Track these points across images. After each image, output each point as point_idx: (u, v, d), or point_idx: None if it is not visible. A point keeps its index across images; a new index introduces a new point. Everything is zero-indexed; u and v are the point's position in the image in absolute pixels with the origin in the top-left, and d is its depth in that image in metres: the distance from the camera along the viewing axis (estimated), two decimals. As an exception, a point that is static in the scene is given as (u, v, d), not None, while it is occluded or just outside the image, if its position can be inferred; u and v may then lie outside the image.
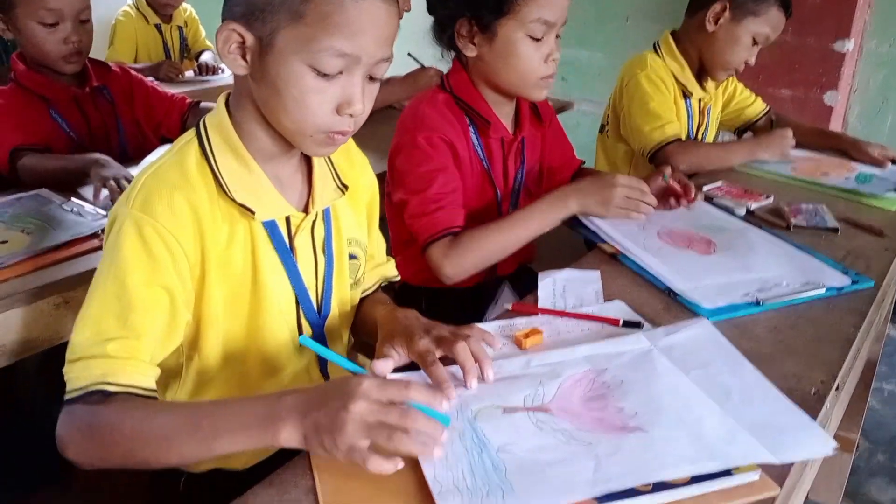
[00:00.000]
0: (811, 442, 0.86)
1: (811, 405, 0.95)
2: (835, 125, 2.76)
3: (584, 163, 1.76)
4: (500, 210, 1.56)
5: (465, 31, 1.40)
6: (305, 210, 1.03)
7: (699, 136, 2.09)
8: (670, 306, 1.20)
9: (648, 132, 1.88)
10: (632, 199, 1.39)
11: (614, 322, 1.13)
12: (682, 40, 1.98)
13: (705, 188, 1.70)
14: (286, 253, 1.01)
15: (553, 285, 1.26)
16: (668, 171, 1.53)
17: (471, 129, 1.48)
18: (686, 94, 2.00)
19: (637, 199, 1.39)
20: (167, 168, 0.93)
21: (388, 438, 0.73)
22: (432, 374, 0.92)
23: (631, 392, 0.93)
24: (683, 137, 2.02)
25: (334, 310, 1.11)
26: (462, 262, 1.36)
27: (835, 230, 1.49)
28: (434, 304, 1.56)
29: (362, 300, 1.19)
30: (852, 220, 1.55)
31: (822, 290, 1.23)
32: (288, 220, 1.01)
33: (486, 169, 1.51)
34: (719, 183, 1.73)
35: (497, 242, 1.38)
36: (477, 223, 1.41)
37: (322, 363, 1.12)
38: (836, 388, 1.02)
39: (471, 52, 1.42)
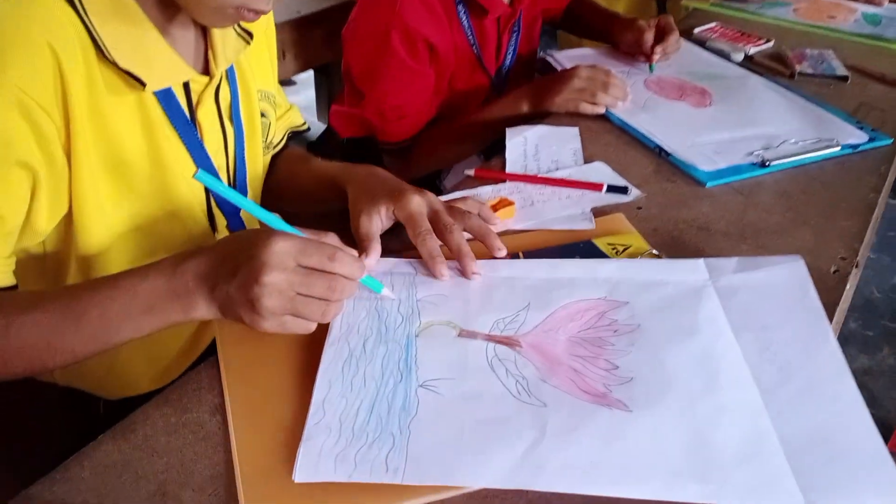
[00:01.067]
0: (875, 488, 0.54)
1: (832, 288, 0.80)
2: None
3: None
4: (490, 94, 1.34)
5: None
6: (206, 72, 0.80)
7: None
8: (661, 168, 1.02)
9: None
10: (586, 90, 1.14)
11: (597, 187, 0.95)
12: None
13: (696, 30, 1.48)
14: (187, 128, 0.78)
15: (524, 145, 1.06)
16: (650, 21, 1.32)
17: (460, 7, 1.22)
18: None
19: (595, 89, 1.14)
20: (18, 16, 0.66)
21: (310, 311, 0.62)
22: (424, 246, 0.74)
23: (642, 346, 0.65)
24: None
25: (250, 187, 0.90)
26: (415, 173, 1.28)
27: (844, 79, 1.30)
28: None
29: (274, 159, 0.99)
30: (862, 69, 1.35)
31: (838, 149, 1.05)
32: (187, 86, 0.78)
33: (477, 55, 1.28)
34: (713, 24, 1.51)
35: (449, 156, 1.28)
36: (463, 111, 1.25)
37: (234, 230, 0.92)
38: (857, 266, 0.86)
39: None
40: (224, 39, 0.81)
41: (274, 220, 0.67)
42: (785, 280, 0.75)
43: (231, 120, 0.85)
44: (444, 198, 0.83)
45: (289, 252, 0.61)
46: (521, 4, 1.27)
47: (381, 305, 0.69)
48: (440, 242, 0.75)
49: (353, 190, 0.80)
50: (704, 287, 0.73)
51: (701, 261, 0.76)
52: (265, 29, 0.94)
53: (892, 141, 1.09)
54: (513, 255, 0.80)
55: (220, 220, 0.87)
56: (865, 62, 1.38)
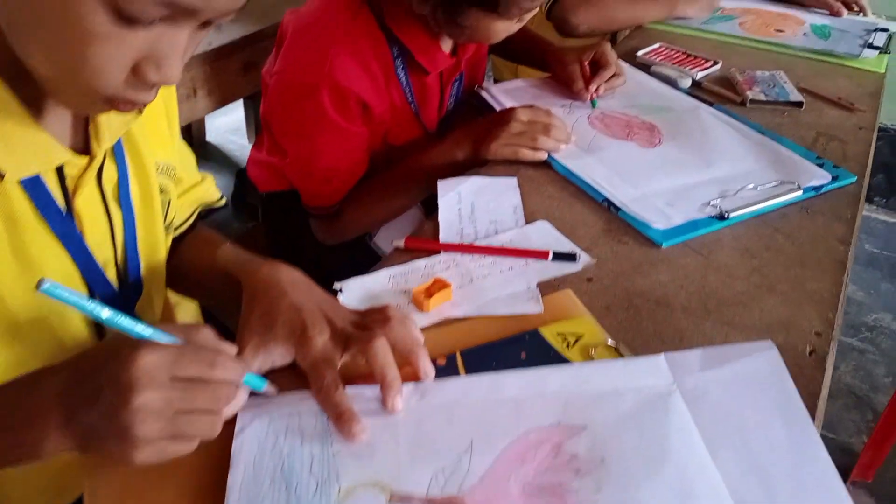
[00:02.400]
0: None
1: (810, 376, 0.71)
2: None
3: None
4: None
5: None
6: (87, 151, 0.67)
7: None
8: (611, 226, 0.92)
9: None
10: (525, 134, 1.03)
11: (542, 255, 0.84)
12: None
13: (640, 53, 1.38)
14: (61, 220, 0.65)
15: (458, 203, 0.95)
16: (585, 55, 1.21)
17: (397, 62, 1.08)
18: None
19: (535, 133, 1.03)
20: None
21: (196, 428, 0.53)
22: (329, 403, 0.60)
23: (611, 488, 0.54)
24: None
25: (147, 279, 0.77)
26: (344, 235, 1.19)
27: (799, 104, 1.22)
28: (294, 229, 1.24)
29: (177, 242, 0.85)
30: (816, 92, 1.27)
31: (800, 193, 0.97)
32: (60, 171, 0.65)
33: (415, 112, 1.15)
34: (657, 45, 1.42)
35: (383, 213, 1.17)
36: (398, 160, 1.13)
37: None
38: (832, 340, 0.77)
39: None
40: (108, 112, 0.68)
41: (138, 329, 0.54)
42: (757, 373, 0.65)
43: (119, 203, 0.72)
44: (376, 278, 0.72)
45: (160, 365, 0.51)
46: (465, 54, 1.15)
47: (288, 467, 0.57)
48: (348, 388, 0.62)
49: (247, 307, 0.66)
50: (669, 394, 0.63)
51: (662, 358, 0.66)
52: (162, 90, 0.80)
53: (855, 179, 1.02)
54: (449, 356, 0.69)
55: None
56: (819, 83, 1.31)
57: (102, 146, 0.67)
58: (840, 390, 1.95)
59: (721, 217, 0.91)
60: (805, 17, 1.62)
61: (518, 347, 0.70)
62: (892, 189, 2.68)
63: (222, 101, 1.43)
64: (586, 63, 1.21)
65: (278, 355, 0.64)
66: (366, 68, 1.03)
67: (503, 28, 1.00)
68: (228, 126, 2.86)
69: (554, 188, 0.99)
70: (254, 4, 1.46)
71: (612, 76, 1.21)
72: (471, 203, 0.95)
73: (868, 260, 2.48)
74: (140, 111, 0.70)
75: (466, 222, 0.92)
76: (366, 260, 1.13)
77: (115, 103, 0.56)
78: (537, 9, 0.99)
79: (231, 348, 0.59)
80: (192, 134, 2.70)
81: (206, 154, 2.80)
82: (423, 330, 0.72)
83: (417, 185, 1.10)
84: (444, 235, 0.89)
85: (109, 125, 0.67)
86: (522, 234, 0.89)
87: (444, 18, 0.98)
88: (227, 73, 1.39)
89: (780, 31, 1.53)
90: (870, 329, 2.22)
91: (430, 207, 0.98)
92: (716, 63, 1.34)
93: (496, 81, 1.78)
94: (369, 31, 1.03)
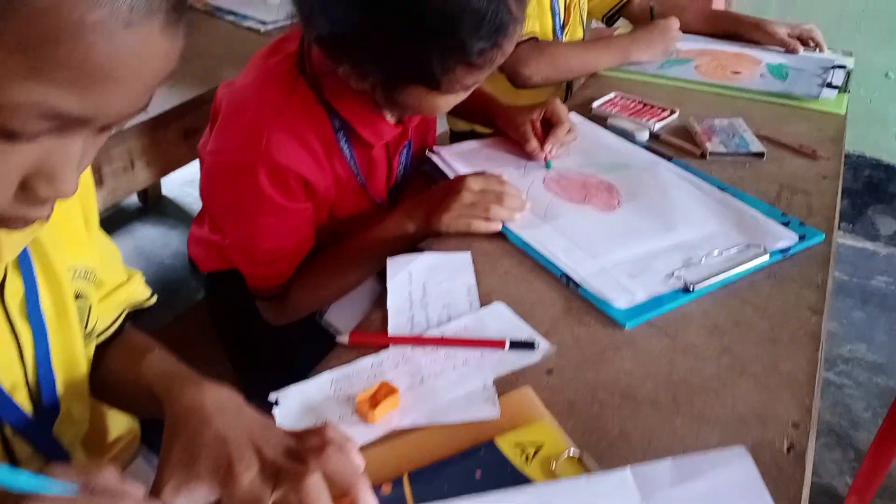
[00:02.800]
0: None
1: (789, 476, 0.65)
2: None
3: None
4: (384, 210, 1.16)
5: None
6: None
7: (566, 38, 1.72)
8: (571, 305, 0.86)
9: None
10: (478, 204, 0.97)
11: (499, 344, 0.78)
12: None
13: (595, 105, 1.34)
14: None
15: (409, 285, 0.89)
16: (535, 114, 1.17)
17: (339, 135, 1.01)
18: None
19: (488, 202, 0.97)
20: None
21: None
22: None
23: None
24: (550, 38, 1.65)
25: (65, 397, 0.69)
26: (294, 315, 1.11)
27: (760, 155, 1.18)
28: (240, 310, 1.17)
29: (101, 348, 0.77)
30: (776, 139, 1.24)
31: (766, 258, 0.92)
32: None
33: (362, 185, 1.09)
34: (612, 95, 1.38)
35: (332, 292, 1.09)
36: (345, 233, 1.07)
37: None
38: (810, 430, 0.72)
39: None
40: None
41: (20, 482, 0.47)
42: (731, 487, 0.60)
43: (28, 319, 0.65)
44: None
45: None
46: (412, 122, 1.09)
47: None
48: None
49: (168, 437, 0.59)
50: (638, 515, 0.57)
51: (628, 472, 0.61)
52: (82, 185, 0.73)
53: (823, 237, 0.97)
54: (395, 480, 0.62)
55: (23, 448, 0.67)
56: (779, 128, 1.28)
57: (4, 259, 0.60)
58: (819, 429, 1.91)
59: (686, 290, 0.86)
60: (761, 55, 1.60)
61: (473, 464, 0.64)
62: (857, 214, 2.67)
63: (163, 171, 1.36)
64: (538, 121, 1.16)
65: (201, 496, 0.57)
66: (304, 144, 0.97)
67: (446, 102, 0.95)
68: (184, 179, 2.78)
69: (510, 262, 0.94)
70: (189, 69, 1.41)
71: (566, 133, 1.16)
72: (422, 284, 0.89)
73: (838, 287, 2.46)
74: (45, 219, 0.63)
75: (418, 308, 0.85)
76: (317, 339, 1.07)
77: (5, 222, 0.49)
78: (482, 80, 0.94)
79: (137, 489, 0.52)
80: (148, 189, 2.62)
81: (162, 209, 2.71)
82: (368, 447, 0.66)
83: (369, 260, 1.04)
84: (394, 325, 0.83)
85: (10, 238, 0.60)
86: (478, 318, 0.83)
87: (384, 96, 0.92)
88: (166, 143, 1.33)
89: (737, 72, 1.50)
90: (845, 361, 2.19)
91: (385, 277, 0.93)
92: (673, 112, 1.30)
93: (452, 133, 1.74)
94: (307, 106, 0.97)
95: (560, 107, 1.17)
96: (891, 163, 2.54)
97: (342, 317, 1.12)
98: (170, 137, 1.34)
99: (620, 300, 0.84)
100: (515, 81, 1.47)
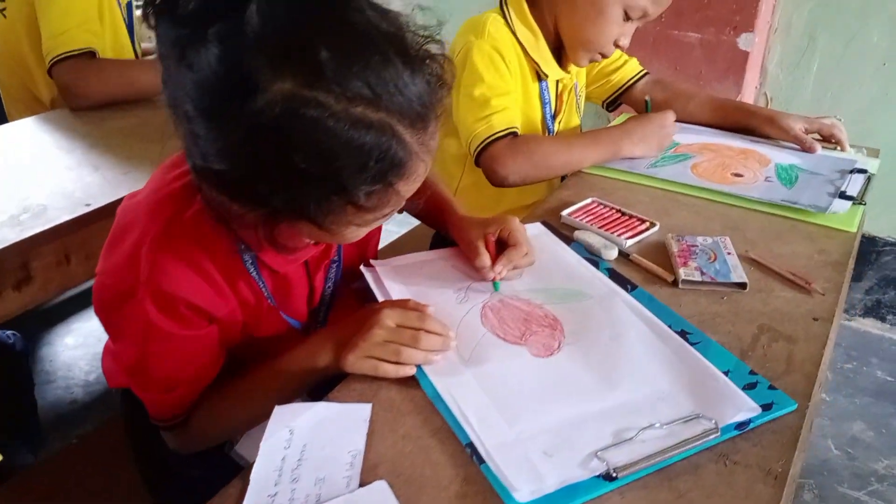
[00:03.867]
0: None
1: None
2: (752, 76, 2.28)
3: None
4: (308, 329, 1.05)
5: None
6: None
7: (558, 128, 1.59)
8: (469, 487, 0.72)
9: (472, 124, 1.36)
10: (389, 344, 0.85)
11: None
12: (541, 1, 1.46)
13: (565, 213, 1.20)
14: None
15: (287, 445, 0.77)
16: (491, 229, 1.04)
17: (245, 256, 0.90)
18: (540, 76, 1.49)
19: (402, 341, 0.85)
20: None
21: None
22: None
23: None
24: (539, 130, 1.52)
25: None
26: (198, 445, 1.00)
27: (741, 286, 1.02)
28: (151, 429, 1.06)
29: None
30: (765, 263, 1.08)
31: (717, 435, 0.76)
32: None
33: (275, 307, 0.98)
34: (588, 201, 1.24)
35: (240, 422, 0.97)
36: (268, 356, 0.94)
37: None
38: None
39: None
40: None
41: None
42: None
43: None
44: None
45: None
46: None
47: None
48: None
49: None
50: None
51: None
52: None
53: (795, 406, 0.81)
54: None
55: None
56: (774, 247, 1.12)
57: None
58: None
59: (609, 477, 0.71)
60: (771, 153, 1.44)
61: None
62: (905, 307, 2.43)
63: (100, 265, 1.27)
64: (493, 238, 1.04)
65: None
66: (197, 269, 0.86)
67: (352, 235, 0.82)
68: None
69: (414, 421, 0.80)
70: (135, 157, 1.33)
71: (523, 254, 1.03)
72: (301, 448, 0.76)
73: (878, 390, 2.23)
74: None
75: (286, 481, 0.73)
76: (226, 470, 0.95)
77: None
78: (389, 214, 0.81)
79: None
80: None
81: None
82: None
83: (276, 393, 0.92)
84: (251, 506, 0.70)
85: None
86: (349, 502, 0.70)
87: (265, 233, 0.80)
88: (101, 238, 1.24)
89: (739, 175, 1.34)
90: (880, 479, 1.95)
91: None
92: (652, 225, 1.16)
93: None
94: (203, 226, 0.86)
95: (517, 227, 1.04)
96: (942, 255, 2.31)
97: (254, 449, 1.01)
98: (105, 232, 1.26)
99: (524, 489, 0.70)
100: (492, 180, 1.35)
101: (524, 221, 1.21)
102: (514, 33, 1.44)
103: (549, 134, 1.56)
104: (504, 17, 1.45)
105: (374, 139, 0.68)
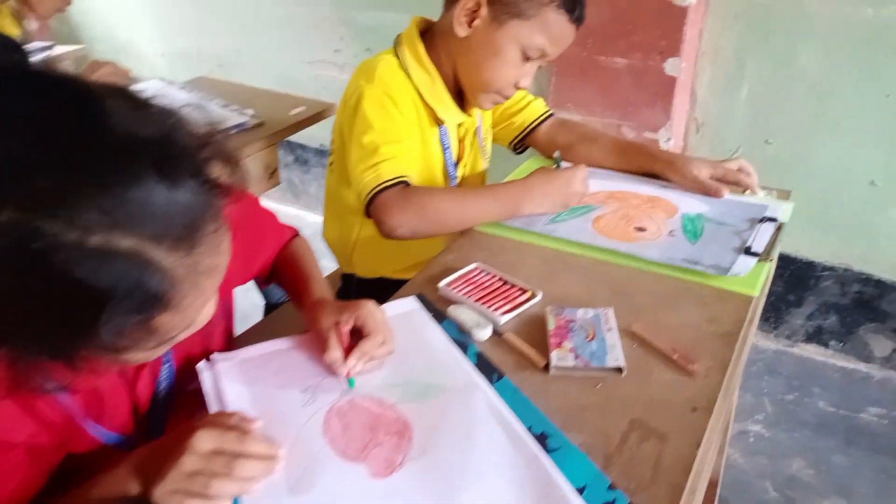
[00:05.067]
0: None
1: None
2: (681, 101, 2.21)
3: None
4: (139, 442, 0.92)
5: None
6: None
7: (462, 173, 1.50)
8: None
9: (361, 174, 1.27)
10: (199, 475, 0.74)
11: None
12: (438, 41, 1.37)
13: (442, 285, 1.11)
14: None
15: None
16: (344, 316, 0.95)
17: None
18: (437, 121, 1.40)
19: (214, 470, 0.74)
20: None
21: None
22: None
23: None
24: (440, 177, 1.44)
25: None
26: None
27: (618, 370, 0.94)
28: None
29: None
30: (649, 340, 0.99)
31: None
32: None
33: (92, 419, 0.87)
34: (472, 268, 1.15)
35: None
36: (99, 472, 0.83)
37: None
38: None
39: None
40: None
41: None
42: None
43: None
44: None
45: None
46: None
47: None
48: None
49: None
50: None
51: None
52: None
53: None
54: None
55: None
56: (663, 317, 1.03)
57: None
58: None
59: None
60: (680, 201, 1.36)
61: None
62: (847, 332, 2.37)
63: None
64: (346, 327, 0.94)
65: None
66: None
67: (140, 357, 0.72)
68: None
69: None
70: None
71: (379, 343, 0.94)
72: None
73: (820, 422, 2.16)
74: None
75: None
76: None
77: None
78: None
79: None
80: None
81: None
82: None
83: None
84: None
85: None
86: None
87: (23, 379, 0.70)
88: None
89: (642, 229, 1.26)
90: (821, 522, 1.88)
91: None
92: (534, 296, 1.07)
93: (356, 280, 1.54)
94: None
95: (373, 313, 0.95)
96: (881, 278, 2.25)
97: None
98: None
99: None
100: (382, 232, 1.26)
101: (413, 283, 1.13)
102: (408, 76, 1.36)
103: (451, 182, 1.48)
104: (398, 58, 1.37)
105: (119, 272, 0.58)
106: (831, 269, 2.30)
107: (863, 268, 2.26)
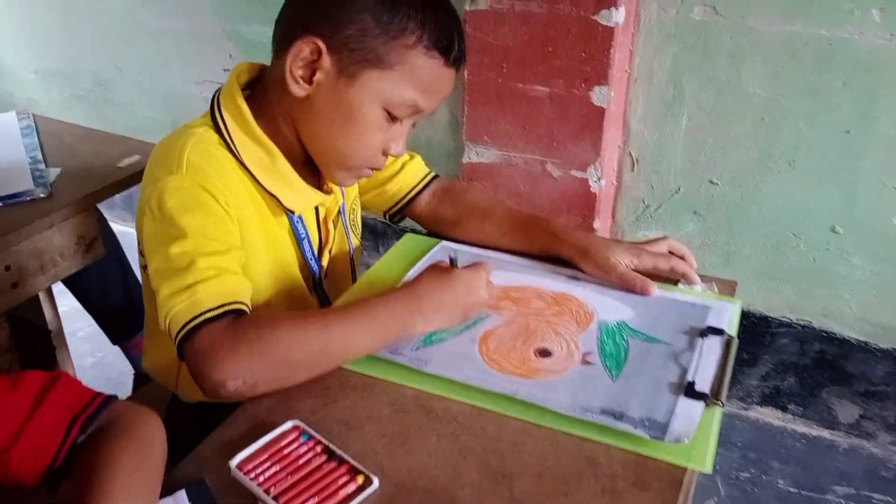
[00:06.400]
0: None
1: None
2: (612, 134, 1.87)
3: None
4: None
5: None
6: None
7: (328, 258, 1.13)
8: None
9: (168, 299, 0.88)
10: None
11: None
12: (272, 97, 1.00)
13: (233, 465, 0.74)
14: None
15: None
16: None
17: None
18: (285, 208, 1.03)
19: None
20: None
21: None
22: None
23: None
24: (297, 276, 1.07)
25: None
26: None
27: None
28: None
29: None
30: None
31: None
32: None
33: None
34: (287, 426, 0.78)
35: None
36: None
37: None
38: None
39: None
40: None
41: None
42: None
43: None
44: None
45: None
46: None
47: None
48: None
49: None
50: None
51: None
52: None
53: None
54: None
55: None
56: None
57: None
58: None
59: None
60: (597, 302, 1.01)
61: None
62: (808, 396, 2.06)
63: None
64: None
65: None
66: None
67: None
68: None
69: None
70: None
71: None
72: None
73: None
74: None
75: None
76: None
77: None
78: None
79: None
80: None
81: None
82: None
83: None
84: None
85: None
86: None
87: None
88: None
89: (547, 353, 0.91)
90: None
91: None
92: (368, 482, 0.71)
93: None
94: None
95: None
96: (844, 336, 1.94)
97: None
98: None
99: None
100: (204, 388, 0.85)
101: (199, 455, 0.77)
102: (233, 154, 0.98)
103: (314, 274, 1.10)
104: (219, 131, 0.98)
105: None
106: (788, 324, 1.99)
107: (824, 324, 1.96)
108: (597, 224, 1.95)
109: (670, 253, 1.06)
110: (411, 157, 1.21)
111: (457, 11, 0.97)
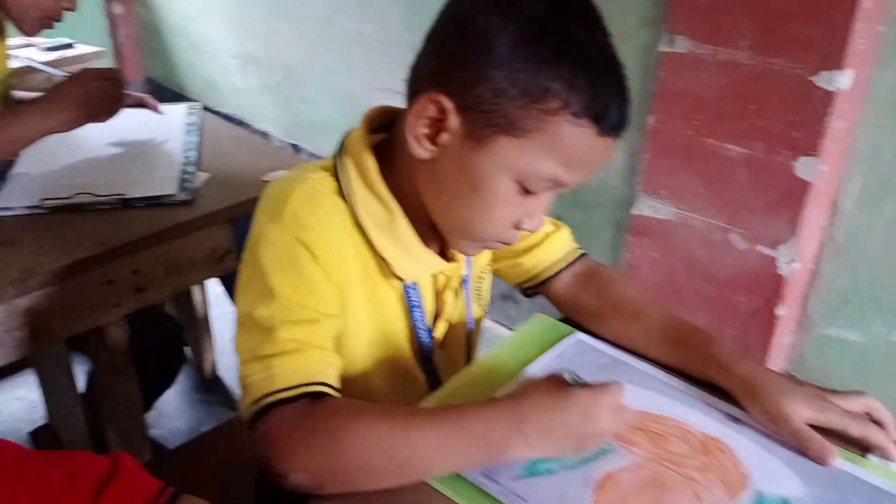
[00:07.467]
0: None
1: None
2: (815, 214, 1.58)
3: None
4: None
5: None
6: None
7: (443, 331, 0.99)
8: None
9: (245, 367, 0.79)
10: None
11: None
12: (397, 153, 0.88)
13: None
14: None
15: None
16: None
17: None
18: (394, 273, 0.90)
19: None
20: None
21: None
22: None
23: None
24: (406, 347, 0.95)
25: None
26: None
27: None
28: None
29: None
30: None
31: None
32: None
33: None
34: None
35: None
36: None
37: None
38: None
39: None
40: None
41: None
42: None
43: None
44: None
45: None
46: None
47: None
48: None
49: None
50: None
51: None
52: None
53: None
54: None
55: None
56: None
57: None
58: None
59: None
60: (753, 463, 0.79)
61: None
62: None
63: None
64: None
65: None
66: None
67: None
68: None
69: None
70: None
71: None
72: None
73: None
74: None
75: None
76: None
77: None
78: None
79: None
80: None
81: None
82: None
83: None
84: None
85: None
86: None
87: None
88: None
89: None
90: None
91: None
92: None
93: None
94: None
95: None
96: None
97: None
98: None
99: None
100: (271, 474, 0.76)
101: None
102: (350, 206, 0.87)
103: (425, 348, 0.97)
104: (338, 178, 0.88)
105: None
106: None
107: None
108: (781, 311, 1.67)
109: (866, 415, 0.83)
110: (557, 228, 1.04)
111: (622, 66, 0.77)
